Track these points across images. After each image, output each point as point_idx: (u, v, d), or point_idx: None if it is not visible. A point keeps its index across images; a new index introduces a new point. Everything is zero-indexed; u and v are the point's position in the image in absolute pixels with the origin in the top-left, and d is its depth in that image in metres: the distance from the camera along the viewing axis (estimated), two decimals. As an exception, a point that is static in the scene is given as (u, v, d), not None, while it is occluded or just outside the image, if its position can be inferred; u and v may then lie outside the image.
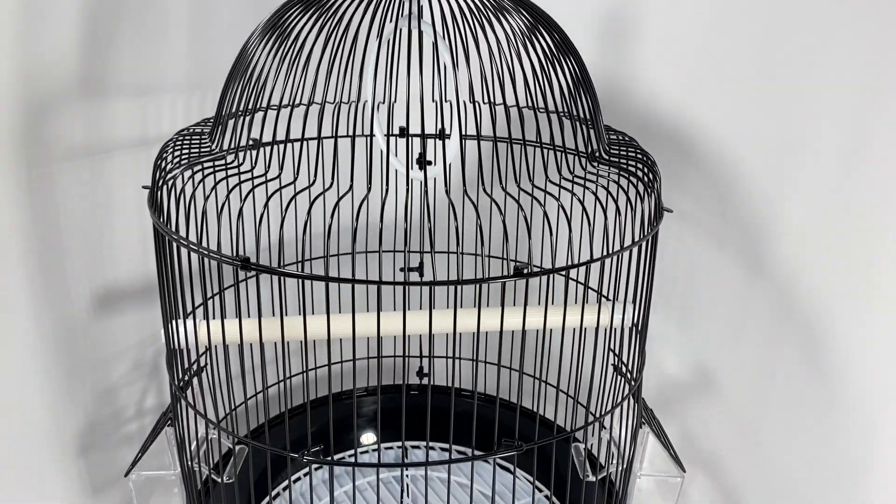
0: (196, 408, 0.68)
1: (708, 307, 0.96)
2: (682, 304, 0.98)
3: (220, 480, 0.80)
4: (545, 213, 0.58)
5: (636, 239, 0.63)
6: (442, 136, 0.71)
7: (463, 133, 0.71)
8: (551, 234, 0.57)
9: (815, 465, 0.93)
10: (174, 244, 0.62)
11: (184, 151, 0.66)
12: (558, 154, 0.65)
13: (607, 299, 0.76)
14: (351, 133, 0.59)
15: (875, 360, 0.85)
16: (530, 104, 0.64)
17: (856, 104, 0.80)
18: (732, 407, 0.97)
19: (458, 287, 0.56)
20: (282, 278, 0.55)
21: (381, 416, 1.08)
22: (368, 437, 1.07)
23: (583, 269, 0.70)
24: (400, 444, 1.04)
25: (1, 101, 0.76)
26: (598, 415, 0.74)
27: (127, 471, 0.78)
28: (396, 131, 0.86)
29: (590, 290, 0.81)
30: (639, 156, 0.69)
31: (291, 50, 0.62)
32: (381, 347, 0.93)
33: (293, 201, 0.55)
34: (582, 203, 0.59)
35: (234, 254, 0.55)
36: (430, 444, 1.08)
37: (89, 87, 0.82)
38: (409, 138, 0.69)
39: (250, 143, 0.68)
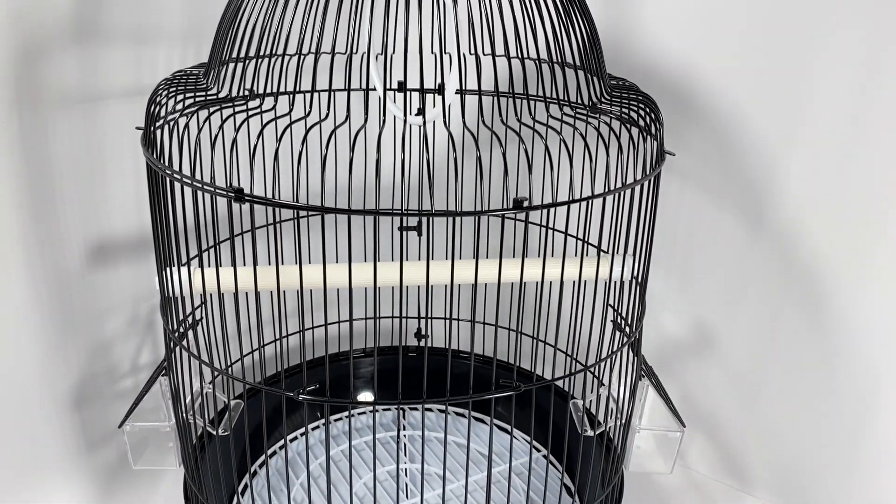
0: (193, 352, 0.67)
1: (708, 266, 0.95)
2: (683, 263, 0.97)
3: (215, 433, 0.79)
4: (546, 148, 0.57)
5: (637, 179, 0.61)
6: (442, 90, 0.70)
7: (463, 79, 0.70)
8: (552, 169, 0.56)
9: (815, 425, 0.92)
10: (167, 181, 0.61)
11: (178, 89, 0.65)
12: (562, 104, 0.63)
13: (605, 252, 0.75)
14: (347, 84, 0.58)
15: (877, 318, 0.85)
16: (531, 55, 0.62)
17: (862, 59, 0.78)
18: (732, 366, 0.96)
19: (456, 220, 0.55)
20: (277, 211, 0.54)
21: (378, 377, 1.08)
22: (366, 396, 1.06)
23: (583, 219, 0.69)
24: (397, 404, 1.04)
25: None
26: (594, 367, 0.73)
27: (121, 422, 0.77)
28: (395, 85, 0.85)
29: (590, 247, 0.80)
30: (641, 100, 0.68)
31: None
32: (378, 299, 0.92)
33: (288, 131, 0.53)
34: (584, 137, 0.58)
35: (228, 184, 0.54)
36: (427, 404, 1.07)
37: (83, 32, 0.80)
38: (408, 92, 0.67)
39: (245, 92, 0.67)
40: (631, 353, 0.78)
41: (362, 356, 1.08)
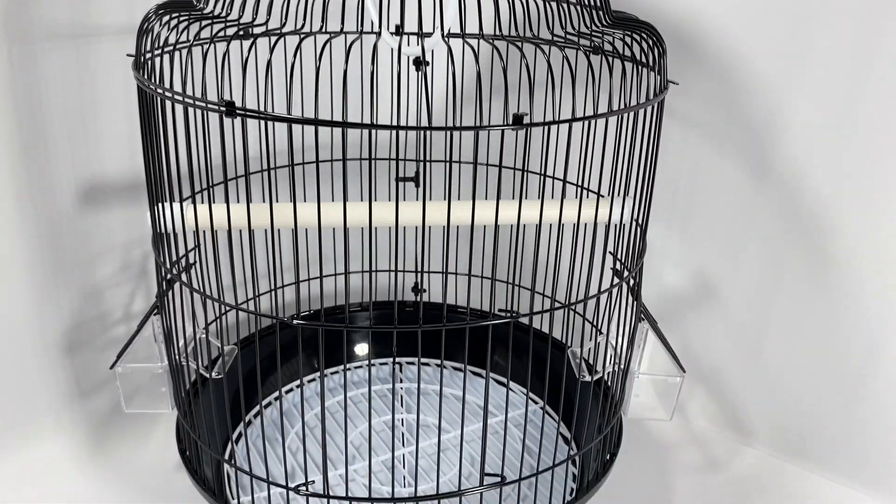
0: (192, 286, 0.66)
1: (710, 216, 0.93)
2: (684, 214, 0.95)
3: (209, 376, 0.78)
4: (549, 64, 0.55)
5: (641, 102, 0.60)
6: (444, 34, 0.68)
7: (462, 15, 0.69)
8: (553, 88, 0.54)
9: (817, 376, 0.91)
10: (158, 102, 0.60)
11: (171, 10, 0.63)
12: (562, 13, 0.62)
13: (602, 197, 0.73)
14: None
15: (882, 266, 0.83)
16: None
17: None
18: (734, 318, 0.95)
19: (454, 135, 0.53)
20: (270, 124, 0.52)
21: (375, 332, 1.06)
22: (362, 348, 1.05)
23: (582, 163, 0.68)
24: (392, 359, 1.03)
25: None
26: (583, 304, 0.72)
27: (113, 363, 0.76)
28: (392, 29, 0.83)
29: (589, 192, 0.78)
30: (643, 26, 0.66)
31: None
32: (375, 249, 0.91)
33: (281, 47, 0.52)
34: (587, 55, 0.56)
35: (220, 98, 0.53)
36: (423, 359, 1.06)
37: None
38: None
39: (240, 33, 0.65)
40: (630, 298, 0.77)
41: (359, 310, 1.07)
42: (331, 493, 0.63)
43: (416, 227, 1.02)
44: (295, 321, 0.58)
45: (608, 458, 0.79)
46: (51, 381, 0.90)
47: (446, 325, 0.61)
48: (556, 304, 0.69)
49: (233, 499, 0.78)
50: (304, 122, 0.51)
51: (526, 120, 0.52)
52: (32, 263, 0.84)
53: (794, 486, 0.92)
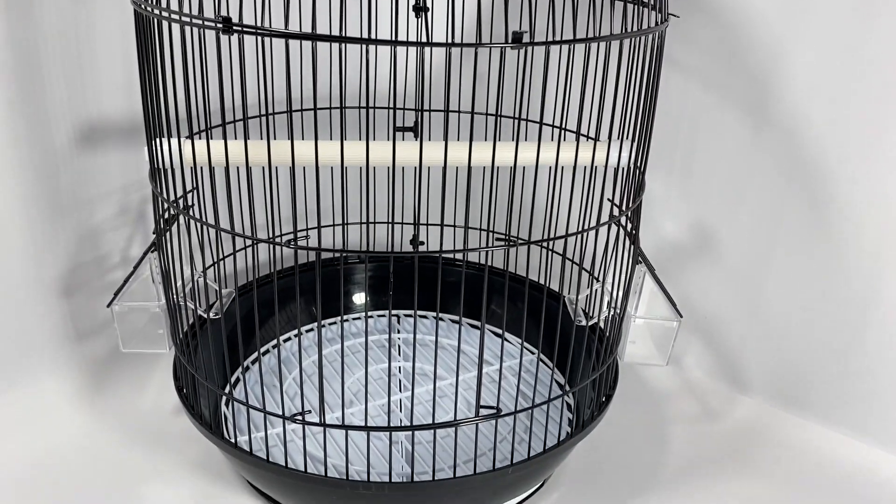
0: (194, 217, 0.66)
1: (710, 165, 0.93)
2: (684, 164, 0.95)
3: (206, 316, 0.78)
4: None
5: (640, 29, 0.59)
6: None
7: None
8: (553, 20, 0.54)
9: (813, 326, 0.91)
10: (154, 24, 0.59)
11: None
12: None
13: (600, 141, 0.72)
14: None
15: (880, 215, 0.83)
16: None
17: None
18: (732, 268, 0.95)
19: (453, 51, 0.53)
20: (267, 40, 0.52)
21: (371, 284, 1.06)
22: (359, 298, 1.05)
23: (579, 110, 0.67)
24: (388, 310, 1.03)
25: None
26: (576, 236, 0.71)
27: (110, 301, 0.76)
28: None
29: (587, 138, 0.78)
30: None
31: None
32: (372, 188, 0.90)
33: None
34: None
35: (217, 14, 0.52)
36: (420, 312, 1.06)
37: None
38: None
39: None
40: (627, 242, 0.77)
41: (357, 262, 1.07)
42: (327, 423, 0.63)
43: (414, 177, 1.02)
44: (291, 245, 0.58)
45: (603, 400, 0.79)
46: (48, 322, 0.90)
47: (442, 251, 0.61)
48: (536, 241, 0.68)
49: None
50: (300, 36, 0.51)
51: (525, 39, 0.52)
52: (29, 205, 0.84)
53: (789, 435, 0.93)
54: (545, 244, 0.74)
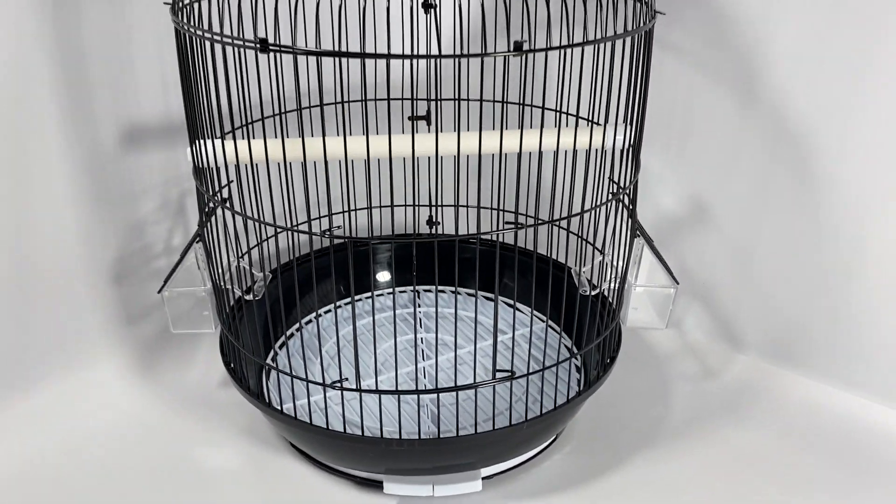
0: (233, 208, 0.74)
1: (703, 141, 1.00)
2: (679, 141, 1.02)
3: (247, 298, 0.86)
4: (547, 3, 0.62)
5: (630, 29, 0.67)
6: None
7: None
8: (548, 17, 0.61)
9: (803, 285, 0.99)
10: (196, 42, 0.67)
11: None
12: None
13: (598, 125, 0.80)
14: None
15: (861, 178, 0.90)
16: None
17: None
18: (726, 235, 1.03)
19: (461, 63, 0.60)
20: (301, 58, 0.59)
21: (396, 261, 1.15)
22: (384, 276, 1.13)
23: (577, 93, 0.74)
24: (412, 287, 1.12)
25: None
26: (580, 215, 0.79)
27: (160, 287, 0.85)
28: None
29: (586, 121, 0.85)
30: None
31: None
32: (392, 174, 0.97)
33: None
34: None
35: (255, 35, 0.60)
36: (439, 287, 1.15)
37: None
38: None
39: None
40: (626, 215, 0.84)
41: (379, 242, 1.15)
42: (362, 388, 0.72)
43: (430, 163, 1.10)
44: (326, 234, 0.66)
45: (608, 361, 0.87)
46: (100, 307, 0.99)
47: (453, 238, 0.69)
48: (543, 220, 0.76)
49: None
50: (327, 54, 0.58)
51: (526, 47, 0.59)
52: (80, 201, 0.93)
53: (784, 389, 1.00)
54: (552, 223, 0.81)
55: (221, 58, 0.65)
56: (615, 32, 0.65)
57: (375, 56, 0.59)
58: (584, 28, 0.68)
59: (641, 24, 0.69)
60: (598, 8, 0.66)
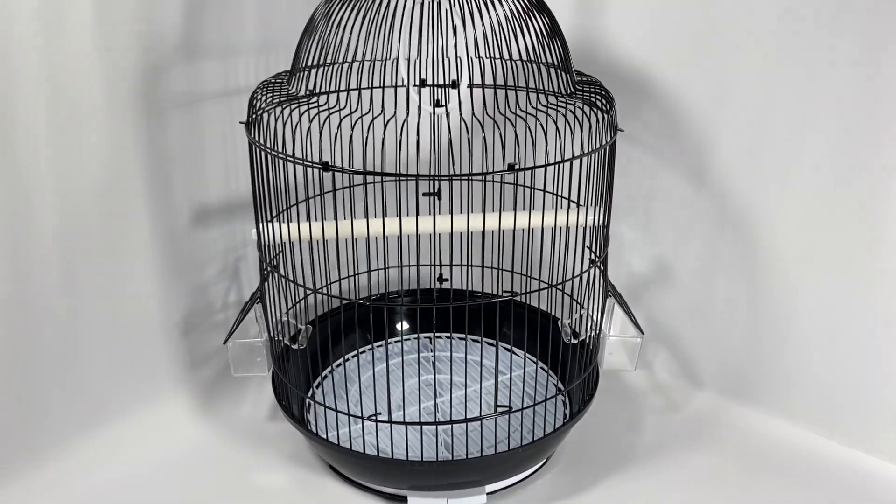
0: (287, 277, 0.95)
1: (664, 215, 1.22)
2: (644, 215, 1.24)
3: (294, 347, 1.07)
4: (528, 130, 0.84)
5: (596, 147, 0.89)
6: (455, 84, 0.97)
7: (470, 76, 0.97)
8: (534, 144, 0.83)
9: (749, 331, 1.18)
10: (268, 157, 0.89)
11: (268, 90, 0.93)
12: (540, 93, 0.90)
13: (579, 205, 1.01)
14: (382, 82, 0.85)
15: (793, 244, 1.10)
16: (523, 57, 0.90)
17: (769, 51, 1.05)
18: (686, 292, 1.23)
19: (470, 184, 0.82)
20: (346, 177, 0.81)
21: (410, 313, 1.35)
22: (404, 325, 1.33)
23: (560, 181, 0.96)
24: (430, 334, 1.32)
25: (126, 65, 1.02)
26: (564, 284, 1.00)
27: (225, 339, 1.05)
28: (419, 82, 1.12)
29: (567, 201, 1.07)
30: (600, 91, 0.95)
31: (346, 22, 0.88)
32: (402, 249, 1.17)
33: (349, 121, 0.80)
34: (556, 122, 0.85)
35: (320, 159, 0.82)
36: (448, 334, 1.35)
37: (187, 51, 1.08)
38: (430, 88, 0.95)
39: (310, 90, 0.94)
40: (601, 278, 1.05)
41: (396, 296, 1.35)
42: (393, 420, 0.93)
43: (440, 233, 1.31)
44: (367, 303, 0.87)
45: (589, 397, 1.07)
46: (170, 355, 1.19)
47: (469, 302, 0.89)
48: (545, 285, 0.98)
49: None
50: (377, 174, 0.80)
51: (517, 166, 0.81)
52: (158, 266, 1.14)
53: (736, 420, 1.18)
54: (552, 287, 1.02)
55: (295, 172, 0.87)
56: (589, 149, 0.87)
57: (412, 177, 0.80)
58: (562, 141, 0.90)
59: (607, 141, 0.91)
60: (578, 127, 0.88)
